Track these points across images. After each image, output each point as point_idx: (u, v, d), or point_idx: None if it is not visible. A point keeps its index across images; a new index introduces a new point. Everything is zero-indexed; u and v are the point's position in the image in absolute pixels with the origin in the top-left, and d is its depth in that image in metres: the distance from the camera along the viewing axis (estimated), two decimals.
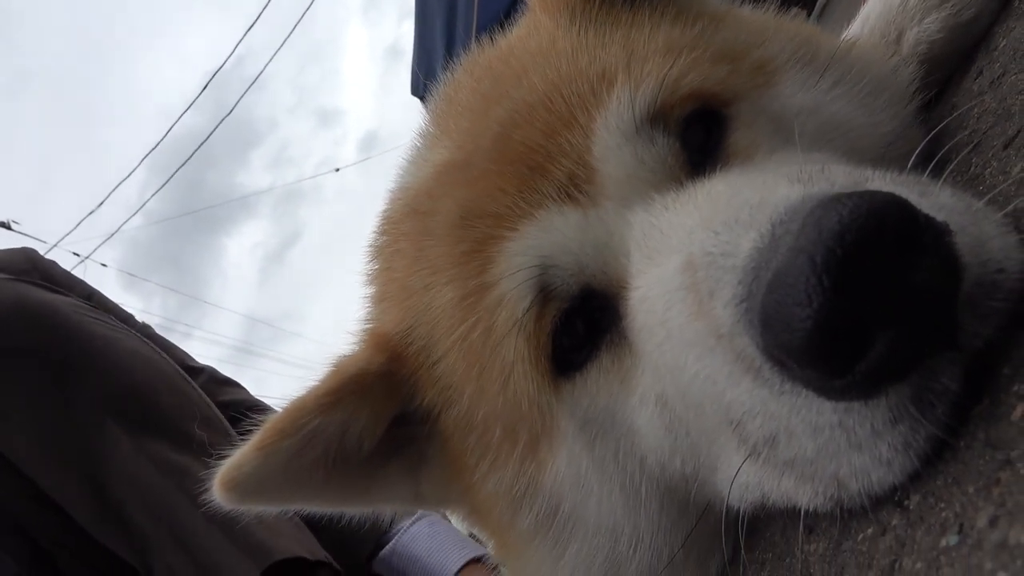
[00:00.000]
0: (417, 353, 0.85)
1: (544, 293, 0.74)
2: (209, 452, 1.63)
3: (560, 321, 0.74)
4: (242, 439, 0.83)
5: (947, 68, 0.96)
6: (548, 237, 0.74)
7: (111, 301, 2.10)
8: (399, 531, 1.84)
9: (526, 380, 0.76)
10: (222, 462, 0.82)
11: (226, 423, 1.81)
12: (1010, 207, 0.57)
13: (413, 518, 1.88)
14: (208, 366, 2.11)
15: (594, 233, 0.73)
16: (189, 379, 1.85)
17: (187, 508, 1.53)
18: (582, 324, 0.75)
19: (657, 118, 0.75)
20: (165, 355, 1.85)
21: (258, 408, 2.00)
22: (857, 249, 0.47)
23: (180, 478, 1.57)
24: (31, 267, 1.94)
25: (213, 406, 1.83)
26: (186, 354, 2.10)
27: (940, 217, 0.51)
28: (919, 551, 0.49)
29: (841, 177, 0.61)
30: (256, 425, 0.82)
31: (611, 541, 0.79)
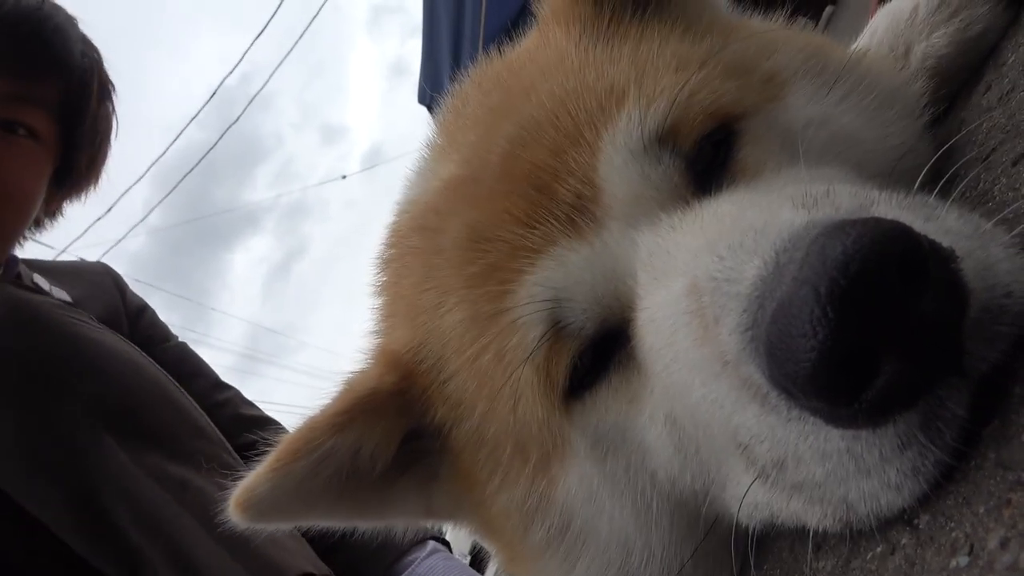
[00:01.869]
0: (428, 371, 0.85)
1: (556, 327, 0.73)
2: (206, 464, 1.56)
3: (577, 362, 0.74)
4: (257, 458, 0.83)
5: (955, 83, 0.95)
6: (562, 270, 0.73)
7: (157, 316, 2.16)
8: (414, 560, 1.78)
9: (536, 405, 0.76)
10: (237, 483, 0.82)
11: (218, 432, 1.73)
12: (1020, 227, 0.56)
13: (427, 551, 1.80)
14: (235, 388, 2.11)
15: (602, 262, 0.73)
16: (178, 385, 1.74)
17: (188, 523, 1.45)
18: (591, 351, 0.74)
19: (667, 137, 0.74)
20: (153, 361, 1.74)
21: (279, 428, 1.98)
22: (861, 279, 0.47)
23: (180, 492, 1.49)
24: (105, 272, 2.14)
25: (204, 415, 1.74)
26: (216, 374, 2.11)
27: (946, 242, 0.51)
28: (928, 571, 0.49)
29: (846, 201, 0.60)
30: (271, 445, 0.83)
31: (622, 555, 0.79)
